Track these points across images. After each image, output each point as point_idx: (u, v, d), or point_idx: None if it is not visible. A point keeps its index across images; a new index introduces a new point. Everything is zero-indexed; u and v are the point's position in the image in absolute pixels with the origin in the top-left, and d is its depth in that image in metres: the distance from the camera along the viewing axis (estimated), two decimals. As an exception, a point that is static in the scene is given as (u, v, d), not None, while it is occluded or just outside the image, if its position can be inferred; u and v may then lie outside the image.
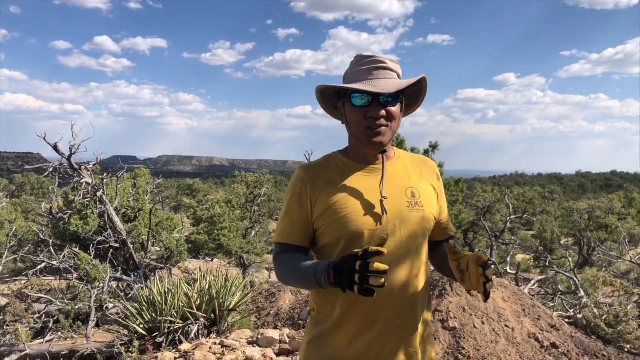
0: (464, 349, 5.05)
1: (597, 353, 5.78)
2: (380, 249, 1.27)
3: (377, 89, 1.51)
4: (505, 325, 5.46)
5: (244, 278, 7.63)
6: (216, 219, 11.52)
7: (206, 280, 6.10)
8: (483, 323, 5.35)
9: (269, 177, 13.46)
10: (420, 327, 1.59)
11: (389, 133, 1.58)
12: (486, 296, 1.40)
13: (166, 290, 5.94)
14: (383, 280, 1.25)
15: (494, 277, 1.42)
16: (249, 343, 5.54)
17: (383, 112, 1.54)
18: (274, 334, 5.66)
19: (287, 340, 5.54)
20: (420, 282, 1.58)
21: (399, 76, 1.61)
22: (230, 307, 6.01)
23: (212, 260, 15.70)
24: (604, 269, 13.91)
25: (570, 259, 10.39)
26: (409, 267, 1.55)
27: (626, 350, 6.04)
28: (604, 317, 6.52)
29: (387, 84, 1.53)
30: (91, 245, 9.89)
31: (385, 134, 1.56)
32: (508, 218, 12.11)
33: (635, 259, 10.17)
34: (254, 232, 13.34)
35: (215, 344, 5.28)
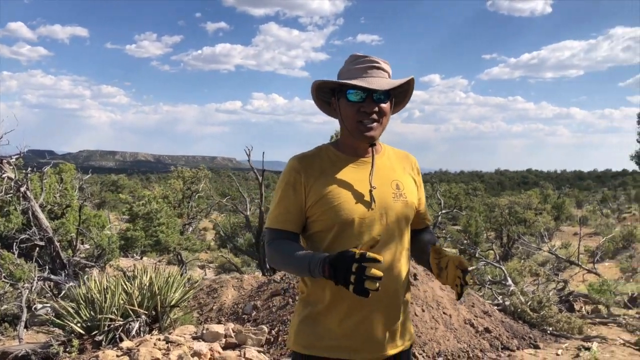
0: (406, 335, 5.26)
1: (524, 336, 6.21)
2: (377, 257, 1.37)
3: (372, 85, 1.62)
4: (444, 313, 5.75)
5: (182, 275, 7.51)
6: (153, 215, 11.18)
7: (147, 277, 5.98)
8: (423, 311, 5.61)
9: (206, 173, 13.22)
10: (402, 305, 1.73)
11: (379, 128, 1.70)
12: (459, 296, 1.57)
13: (105, 287, 5.76)
14: (378, 285, 1.36)
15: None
16: (194, 338, 5.48)
17: (375, 108, 1.66)
18: (219, 328, 5.63)
19: (233, 335, 5.53)
20: (403, 265, 1.72)
21: (389, 76, 1.73)
22: (173, 303, 5.92)
23: (141, 259, 15.21)
24: (523, 260, 14.85)
25: (495, 250, 11.02)
26: (394, 251, 1.68)
27: (549, 332, 6.53)
28: (529, 303, 7.00)
29: (380, 82, 1.65)
30: (14, 243, 9.33)
31: (376, 129, 1.69)
32: (439, 213, 12.65)
33: (553, 250, 10.93)
34: (190, 229, 13.05)
35: (159, 340, 5.18)
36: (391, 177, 1.75)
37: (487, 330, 5.86)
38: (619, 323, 7.13)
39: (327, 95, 1.78)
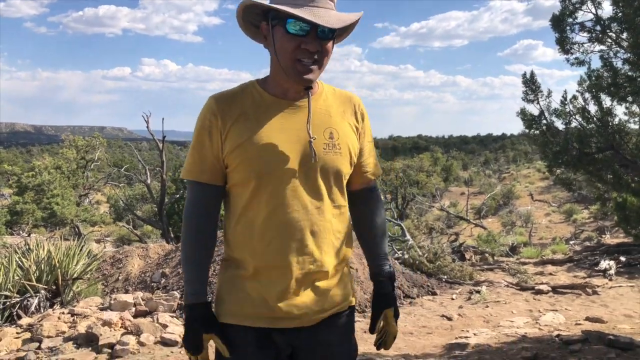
0: (317, 291, 5.49)
1: (423, 284, 6.72)
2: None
3: (321, 20, 1.33)
4: (351, 267, 6.04)
5: (81, 247, 7.17)
6: (45, 187, 10.35)
7: (44, 250, 5.65)
8: (332, 267, 5.86)
9: (101, 141, 12.42)
10: (332, 271, 1.52)
11: (318, 71, 1.44)
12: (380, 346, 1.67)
13: (-4, 263, 5.37)
14: None
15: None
16: (101, 309, 5.31)
17: (319, 47, 1.38)
18: (127, 297, 5.50)
19: (142, 303, 5.43)
20: (335, 226, 1.51)
21: (334, 6, 1.44)
22: (75, 276, 5.66)
23: (29, 236, 14.09)
24: (418, 218, 15.83)
25: (394, 210, 11.66)
26: (321, 211, 1.47)
27: (444, 280, 7.11)
28: (425, 255, 7.55)
29: (330, 16, 1.36)
30: None
31: (315, 72, 1.42)
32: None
33: (445, 208, 11.75)
34: (87, 200, 12.32)
35: (63, 313, 4.97)
36: (325, 124, 1.48)
37: (390, 281, 6.26)
38: (502, 268, 7.94)
39: (258, 17, 1.45)
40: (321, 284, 1.49)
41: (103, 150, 13.17)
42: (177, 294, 5.61)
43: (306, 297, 1.47)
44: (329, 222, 1.48)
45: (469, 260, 8.38)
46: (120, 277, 6.47)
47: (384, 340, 1.64)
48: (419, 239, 8.27)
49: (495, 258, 8.72)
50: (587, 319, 5.26)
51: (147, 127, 9.37)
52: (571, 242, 12.83)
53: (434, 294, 6.50)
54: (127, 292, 6.13)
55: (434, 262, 7.42)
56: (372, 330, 1.63)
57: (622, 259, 7.88)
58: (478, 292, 6.35)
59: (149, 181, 10.73)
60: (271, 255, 1.44)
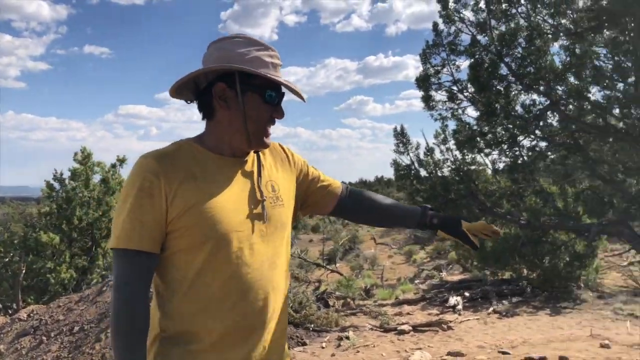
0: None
1: (292, 335, 6.63)
2: None
3: (300, 92, 1.41)
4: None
5: None
6: None
7: None
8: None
9: None
10: (284, 325, 1.50)
11: None
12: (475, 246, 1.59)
13: None
14: None
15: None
16: None
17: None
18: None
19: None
20: (287, 280, 1.50)
21: None
22: None
23: None
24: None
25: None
26: (276, 265, 1.44)
27: (311, 329, 7.10)
28: (291, 305, 7.49)
29: (298, 89, 1.41)
30: None
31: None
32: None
33: (302, 255, 11.93)
34: None
35: None
36: (266, 178, 1.47)
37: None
38: (364, 312, 8.19)
39: (206, 76, 1.38)
40: (279, 338, 1.46)
41: None
42: (17, 375, 4.80)
43: (271, 355, 1.41)
44: (284, 278, 1.47)
45: (333, 306, 8.50)
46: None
47: (489, 232, 1.58)
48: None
49: (356, 302, 8.99)
50: (449, 353, 5.60)
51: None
52: (416, 281, 13.78)
53: (304, 344, 6.43)
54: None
55: (300, 312, 7.38)
56: (474, 246, 1.60)
57: (467, 294, 8.65)
58: (347, 337, 6.43)
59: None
60: (236, 320, 1.34)
